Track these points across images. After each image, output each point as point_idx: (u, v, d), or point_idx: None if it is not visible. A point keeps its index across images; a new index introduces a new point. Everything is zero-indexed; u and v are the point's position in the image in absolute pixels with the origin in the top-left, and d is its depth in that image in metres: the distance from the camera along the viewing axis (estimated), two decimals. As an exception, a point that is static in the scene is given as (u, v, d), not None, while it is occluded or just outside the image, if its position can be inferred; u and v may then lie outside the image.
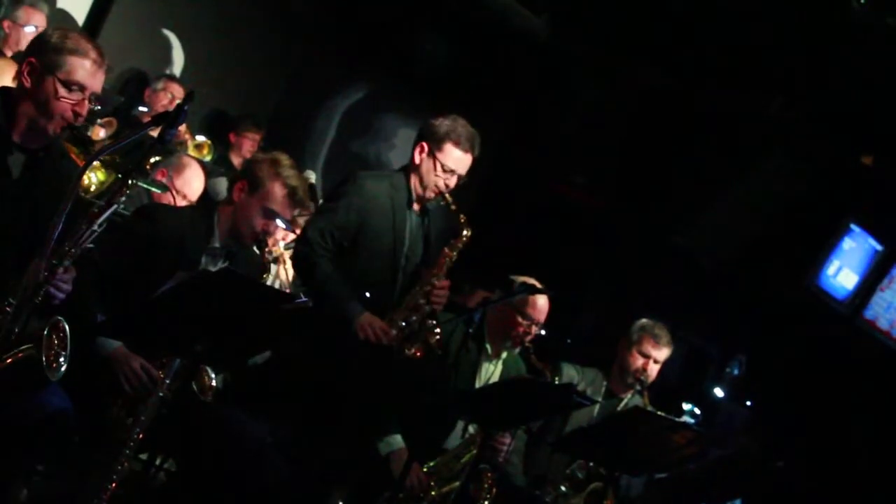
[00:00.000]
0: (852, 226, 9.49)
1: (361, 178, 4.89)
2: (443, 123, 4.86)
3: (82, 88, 3.51)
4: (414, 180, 4.89)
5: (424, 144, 4.86)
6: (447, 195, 4.84)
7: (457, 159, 4.84)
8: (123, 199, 3.39)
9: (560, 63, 8.90)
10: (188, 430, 4.04)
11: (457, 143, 4.82)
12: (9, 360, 3.31)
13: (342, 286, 4.66)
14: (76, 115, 3.50)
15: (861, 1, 7.32)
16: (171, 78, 7.63)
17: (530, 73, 9.01)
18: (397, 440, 4.98)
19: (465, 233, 4.83)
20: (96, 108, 3.65)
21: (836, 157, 8.97)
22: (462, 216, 4.82)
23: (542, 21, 8.57)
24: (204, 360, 3.99)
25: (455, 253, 4.84)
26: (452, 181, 4.86)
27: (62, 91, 3.48)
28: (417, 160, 4.87)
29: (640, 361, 5.64)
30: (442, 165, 4.82)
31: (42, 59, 3.50)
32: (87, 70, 3.51)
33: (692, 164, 8.92)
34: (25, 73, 3.50)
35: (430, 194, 4.87)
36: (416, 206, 4.92)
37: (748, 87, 8.36)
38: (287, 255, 5.71)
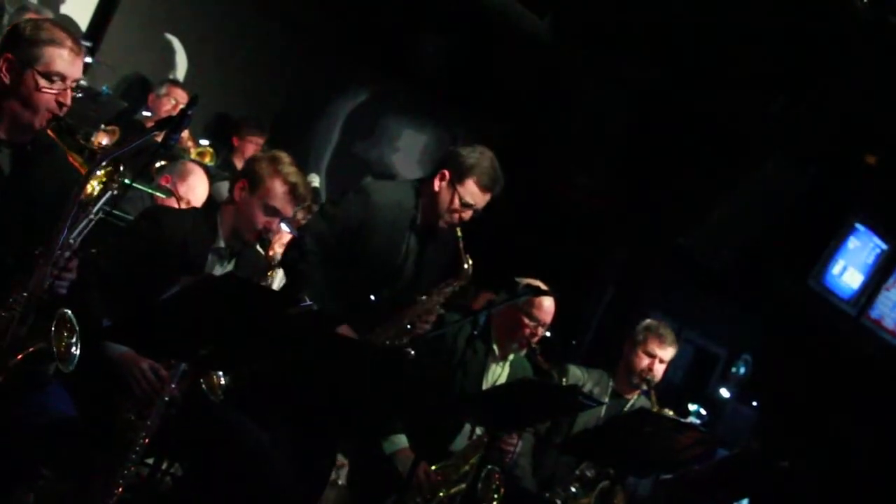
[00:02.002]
0: (857, 225, 9.51)
1: (369, 190, 4.83)
2: (470, 156, 4.76)
3: (63, 78, 3.48)
4: (427, 205, 4.80)
5: (446, 173, 4.76)
6: (458, 230, 4.77)
7: (476, 197, 4.75)
8: (116, 185, 3.38)
9: (562, 65, 8.90)
10: (193, 435, 4.04)
11: (479, 181, 4.74)
12: (21, 356, 3.32)
13: (324, 294, 4.61)
14: (60, 105, 3.48)
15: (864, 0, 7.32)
16: (175, 83, 7.64)
17: (533, 75, 9.01)
18: (401, 439, 4.98)
19: (464, 272, 4.75)
20: (78, 94, 3.63)
21: (840, 156, 8.97)
22: (468, 259, 4.74)
23: (544, 23, 8.57)
24: (209, 365, 4.00)
25: (449, 291, 4.78)
26: (468, 215, 4.78)
27: (43, 83, 3.45)
28: (436, 187, 4.77)
29: (645, 361, 5.64)
30: (460, 199, 4.73)
31: (18, 53, 3.46)
32: (65, 59, 3.48)
33: (696, 165, 8.92)
34: (4, 70, 3.46)
35: (442, 224, 4.79)
36: (419, 227, 4.84)
37: (751, 86, 8.36)
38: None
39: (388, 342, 4.70)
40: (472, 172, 4.73)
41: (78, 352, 3.34)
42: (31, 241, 3.36)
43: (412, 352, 4.68)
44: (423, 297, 4.79)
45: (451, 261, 4.85)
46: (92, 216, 3.35)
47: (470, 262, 4.76)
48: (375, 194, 4.80)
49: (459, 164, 4.75)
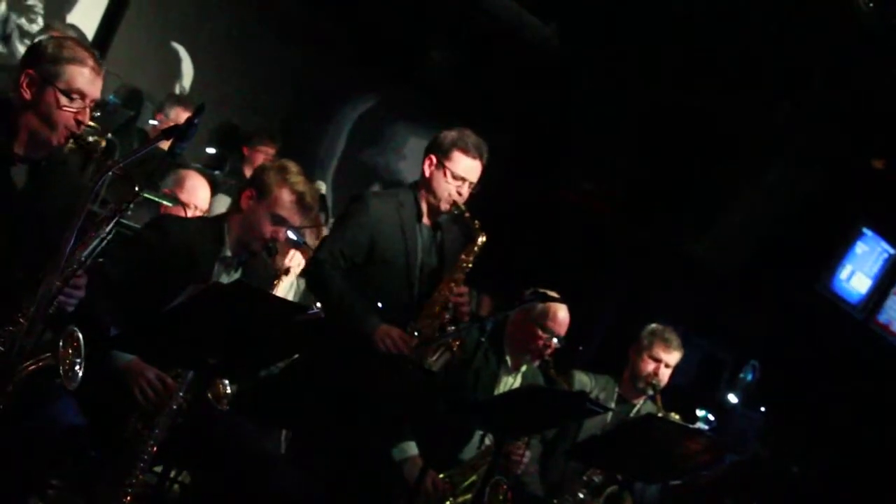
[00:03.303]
0: (864, 230, 9.49)
1: (368, 198, 4.91)
2: (448, 135, 4.88)
3: (83, 96, 3.51)
4: (425, 194, 4.89)
5: (433, 157, 4.87)
6: (460, 205, 4.85)
7: (466, 167, 4.84)
8: (131, 204, 3.39)
9: (569, 71, 8.91)
10: (201, 443, 4.05)
11: (465, 151, 4.83)
12: (30, 369, 3.33)
13: (358, 300, 4.67)
14: (79, 123, 3.50)
15: (869, 4, 7.31)
16: (182, 103, 7.60)
17: (539, 82, 9.01)
18: (411, 447, 4.98)
19: (479, 239, 4.83)
20: (96, 114, 3.65)
21: (847, 161, 8.96)
22: (476, 222, 4.83)
23: (550, 29, 8.58)
24: (217, 373, 4.00)
25: (471, 258, 4.85)
26: (465, 189, 4.86)
27: (63, 100, 3.47)
28: (427, 173, 4.88)
29: (651, 366, 5.65)
30: (452, 174, 4.82)
31: (40, 69, 3.49)
32: (86, 77, 3.51)
33: (703, 171, 8.91)
34: (24, 85, 3.49)
35: (444, 206, 4.86)
36: (426, 221, 4.91)
37: (757, 91, 8.36)
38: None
39: (418, 332, 4.72)
40: (456, 145, 4.84)
41: (82, 371, 3.34)
42: (43, 256, 3.37)
43: (456, 329, 4.73)
44: (451, 277, 4.83)
45: (467, 238, 4.93)
46: (104, 234, 3.36)
47: (479, 225, 4.82)
48: (374, 201, 4.88)
49: (441, 143, 4.86)
